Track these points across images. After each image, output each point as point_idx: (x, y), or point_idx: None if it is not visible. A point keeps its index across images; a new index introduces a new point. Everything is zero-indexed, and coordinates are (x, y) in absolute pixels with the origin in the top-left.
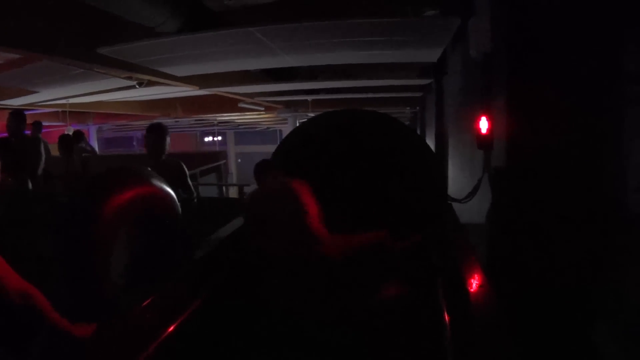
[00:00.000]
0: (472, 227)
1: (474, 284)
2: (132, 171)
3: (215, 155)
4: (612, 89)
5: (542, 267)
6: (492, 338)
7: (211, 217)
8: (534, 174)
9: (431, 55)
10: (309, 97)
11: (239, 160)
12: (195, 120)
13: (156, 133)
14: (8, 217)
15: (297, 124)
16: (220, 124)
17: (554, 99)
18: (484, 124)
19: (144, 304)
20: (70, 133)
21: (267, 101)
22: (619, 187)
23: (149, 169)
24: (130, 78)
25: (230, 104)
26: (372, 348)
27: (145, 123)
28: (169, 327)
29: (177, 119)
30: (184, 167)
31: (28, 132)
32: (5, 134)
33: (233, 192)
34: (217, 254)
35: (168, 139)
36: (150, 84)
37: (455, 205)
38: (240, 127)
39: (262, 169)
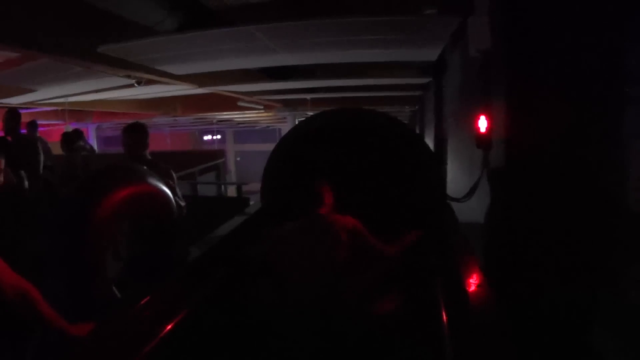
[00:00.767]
0: (471, 226)
1: (473, 283)
2: (127, 169)
3: (214, 154)
4: (612, 88)
5: (541, 266)
6: (491, 337)
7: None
8: (532, 173)
9: (430, 54)
10: (308, 96)
11: (238, 159)
12: (195, 119)
13: (137, 132)
14: (2, 216)
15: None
16: (219, 123)
17: (553, 97)
18: (483, 123)
19: (141, 302)
20: (69, 132)
21: (266, 100)
22: (618, 186)
23: (145, 167)
24: (129, 77)
25: (229, 103)
26: (368, 348)
27: (145, 122)
28: (167, 326)
29: (176, 118)
30: (174, 173)
31: (24, 131)
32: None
33: (232, 191)
34: (215, 253)
35: (147, 139)
36: (149, 82)
37: (454, 204)
38: (239, 125)
39: None
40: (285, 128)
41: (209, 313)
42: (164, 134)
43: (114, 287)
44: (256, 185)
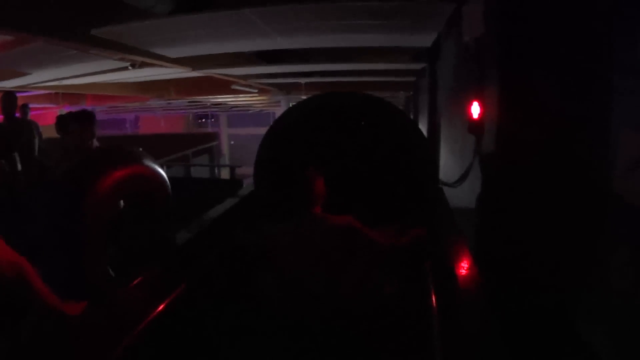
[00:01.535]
0: (463, 211)
1: (463, 269)
2: (122, 151)
3: (207, 137)
4: (603, 77)
5: (532, 253)
6: (479, 324)
7: None
8: (524, 159)
9: (425, 39)
10: (302, 80)
11: (232, 142)
12: (189, 102)
13: (86, 120)
14: None
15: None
16: (213, 106)
17: (545, 84)
18: (475, 109)
19: (134, 283)
20: (64, 114)
21: (260, 83)
22: (608, 173)
23: (140, 149)
24: (123, 59)
25: (224, 86)
26: (358, 337)
27: (139, 105)
28: (158, 306)
29: (170, 101)
30: None
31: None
32: None
33: (225, 175)
34: (208, 235)
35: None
36: (143, 65)
37: (446, 189)
38: (233, 109)
39: None
40: (279, 112)
41: (202, 294)
42: (158, 117)
43: (108, 267)
44: (250, 170)
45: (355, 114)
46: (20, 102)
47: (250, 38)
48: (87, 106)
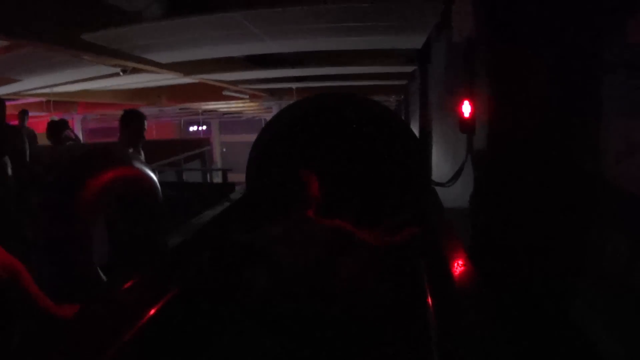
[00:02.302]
0: (456, 210)
1: (458, 267)
2: (112, 153)
3: (199, 142)
4: (591, 73)
5: (525, 249)
6: (477, 321)
7: None
8: (515, 156)
9: (415, 41)
10: (294, 85)
11: (224, 150)
12: (180, 109)
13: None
14: None
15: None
16: (205, 113)
17: (535, 83)
18: (466, 108)
19: (127, 285)
20: (56, 121)
21: (251, 89)
22: (600, 168)
23: (131, 150)
24: (114, 65)
25: (215, 92)
26: (353, 336)
27: None
28: (152, 308)
29: (162, 109)
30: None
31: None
32: None
33: (217, 180)
34: (200, 237)
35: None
36: (134, 71)
37: (439, 189)
38: (224, 116)
39: None
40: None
41: (193, 297)
42: (149, 124)
43: (99, 270)
44: (242, 176)
45: (347, 115)
46: (11, 111)
47: (241, 42)
48: (78, 114)
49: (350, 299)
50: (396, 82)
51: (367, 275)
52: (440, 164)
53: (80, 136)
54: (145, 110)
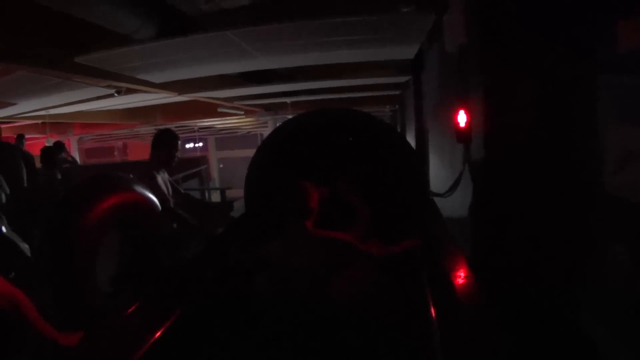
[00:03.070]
0: (455, 220)
1: (459, 278)
2: (112, 178)
3: (196, 161)
4: (586, 79)
5: (525, 258)
6: (480, 330)
7: None
8: (513, 164)
9: (408, 52)
10: (288, 99)
11: (221, 166)
12: (176, 127)
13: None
14: None
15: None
16: (201, 130)
17: (529, 90)
18: (462, 118)
19: (130, 310)
20: (49, 146)
21: (246, 105)
22: (598, 174)
23: (130, 175)
24: (108, 86)
25: (210, 110)
26: (357, 347)
27: (126, 132)
28: (156, 333)
29: (157, 127)
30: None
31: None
32: None
33: (216, 198)
34: (202, 257)
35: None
36: (129, 91)
37: (437, 200)
38: (221, 132)
39: None
40: (267, 133)
41: (198, 318)
42: (146, 144)
43: (100, 293)
44: (240, 192)
45: (343, 130)
46: (7, 134)
47: (233, 59)
48: (74, 135)
49: (350, 310)
50: (390, 93)
51: (367, 286)
52: (437, 174)
53: (77, 157)
54: (142, 129)
